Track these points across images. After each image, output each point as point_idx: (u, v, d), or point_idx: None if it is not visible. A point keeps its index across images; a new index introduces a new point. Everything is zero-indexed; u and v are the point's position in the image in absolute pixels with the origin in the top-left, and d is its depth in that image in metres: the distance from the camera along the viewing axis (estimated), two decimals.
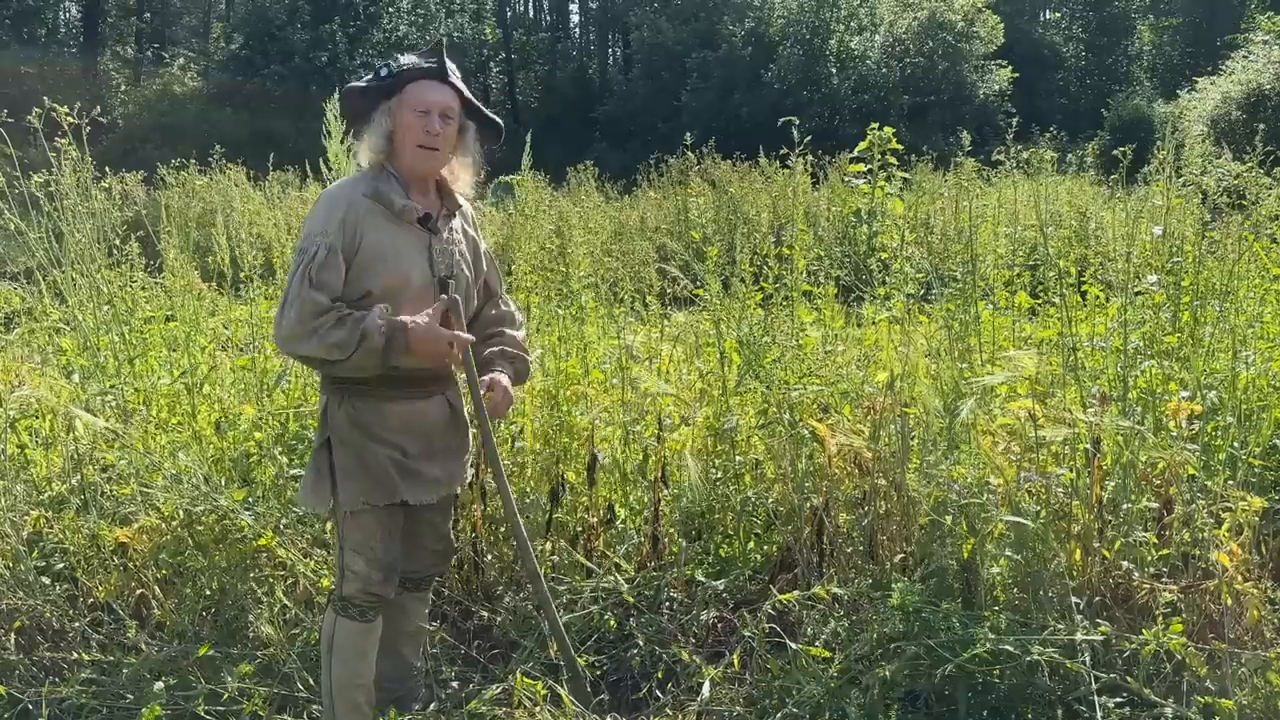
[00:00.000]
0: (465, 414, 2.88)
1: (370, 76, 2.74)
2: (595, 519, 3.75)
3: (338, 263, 2.57)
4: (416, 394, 2.74)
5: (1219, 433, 3.48)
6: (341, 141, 3.67)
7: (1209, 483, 3.09)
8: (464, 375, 2.81)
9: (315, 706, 3.07)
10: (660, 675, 3.19)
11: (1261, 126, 5.55)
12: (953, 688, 2.81)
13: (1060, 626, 2.80)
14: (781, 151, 5.74)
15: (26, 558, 3.43)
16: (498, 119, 2.89)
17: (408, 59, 2.72)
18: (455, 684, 3.27)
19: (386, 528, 2.75)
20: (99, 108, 3.80)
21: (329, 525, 3.59)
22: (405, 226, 2.68)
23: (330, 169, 3.87)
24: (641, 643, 3.31)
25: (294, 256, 2.62)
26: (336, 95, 2.80)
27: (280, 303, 2.60)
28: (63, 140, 3.82)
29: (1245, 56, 18.95)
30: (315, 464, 2.73)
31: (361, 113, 2.74)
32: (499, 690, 3.03)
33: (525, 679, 2.97)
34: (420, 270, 2.69)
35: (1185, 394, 3.28)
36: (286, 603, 3.36)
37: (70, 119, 3.67)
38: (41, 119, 3.63)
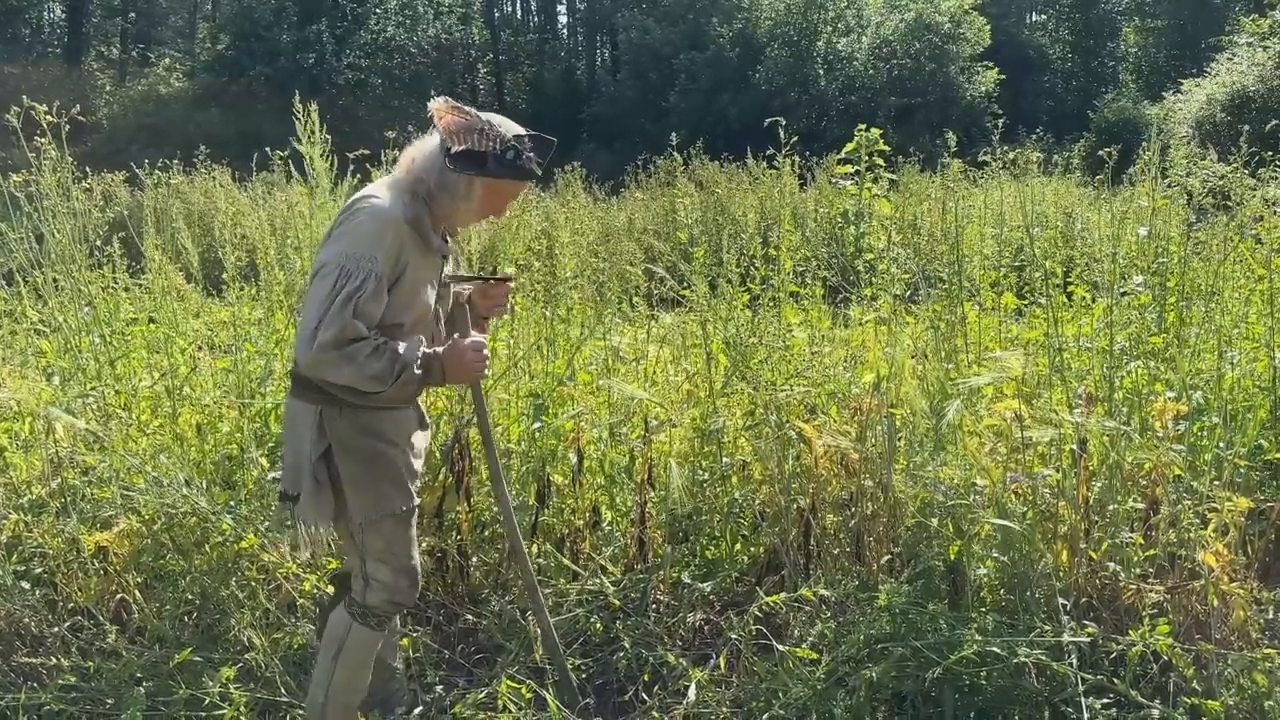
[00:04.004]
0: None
1: (500, 151, 2.54)
2: (581, 521, 3.72)
3: (383, 295, 2.48)
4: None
5: (1205, 433, 3.49)
6: (323, 155, 3.59)
7: (1195, 483, 3.10)
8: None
9: (298, 711, 3.03)
10: (646, 678, 3.18)
11: (1246, 128, 5.57)
12: (940, 689, 2.80)
13: (1047, 628, 2.80)
14: (769, 153, 5.73)
15: (5, 562, 3.39)
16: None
17: (527, 144, 2.57)
18: (440, 688, 3.25)
19: (407, 531, 2.72)
20: (78, 107, 3.75)
21: None
22: (430, 256, 2.65)
23: (309, 173, 3.84)
24: (627, 645, 3.30)
25: (330, 271, 2.42)
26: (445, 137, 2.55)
27: (309, 318, 2.41)
28: (42, 140, 3.78)
29: (1229, 58, 19.04)
30: (312, 475, 2.57)
31: (466, 166, 2.55)
32: (484, 694, 3.02)
33: (510, 682, 2.95)
34: (433, 299, 2.72)
35: (1171, 394, 3.29)
36: (269, 607, 3.33)
37: (49, 118, 3.63)
38: (20, 119, 3.59)
